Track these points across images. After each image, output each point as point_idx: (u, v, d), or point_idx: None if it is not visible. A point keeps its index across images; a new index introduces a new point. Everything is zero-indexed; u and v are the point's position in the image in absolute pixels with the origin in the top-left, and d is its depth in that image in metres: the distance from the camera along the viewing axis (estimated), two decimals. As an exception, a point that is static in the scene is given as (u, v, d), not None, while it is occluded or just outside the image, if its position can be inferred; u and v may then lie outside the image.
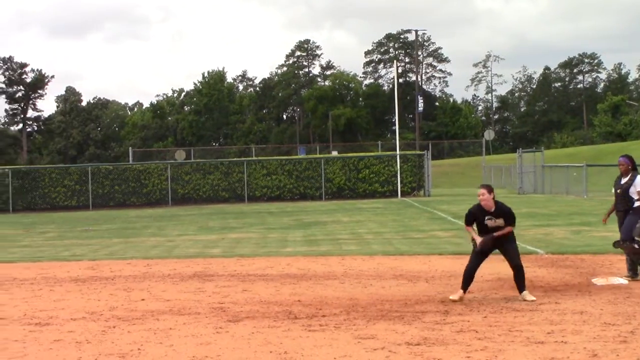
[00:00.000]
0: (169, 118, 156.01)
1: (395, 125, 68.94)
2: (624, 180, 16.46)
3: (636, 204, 16.17)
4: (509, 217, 14.39)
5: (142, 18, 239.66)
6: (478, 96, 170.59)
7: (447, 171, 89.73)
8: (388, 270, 18.68)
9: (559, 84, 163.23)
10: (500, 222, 14.30)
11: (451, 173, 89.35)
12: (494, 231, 14.29)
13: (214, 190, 59.00)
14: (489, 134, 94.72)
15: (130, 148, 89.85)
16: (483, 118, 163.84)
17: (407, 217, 37.42)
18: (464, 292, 14.26)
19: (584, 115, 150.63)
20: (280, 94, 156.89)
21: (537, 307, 13.36)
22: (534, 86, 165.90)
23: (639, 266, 16.27)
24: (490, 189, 14.39)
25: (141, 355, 10.60)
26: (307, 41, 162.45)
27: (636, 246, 16.03)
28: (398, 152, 59.97)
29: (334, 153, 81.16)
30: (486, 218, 14.32)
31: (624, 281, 15.78)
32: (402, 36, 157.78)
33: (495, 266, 18.71)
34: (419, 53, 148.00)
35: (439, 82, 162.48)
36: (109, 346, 11.18)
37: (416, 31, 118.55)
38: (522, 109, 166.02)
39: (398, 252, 22.97)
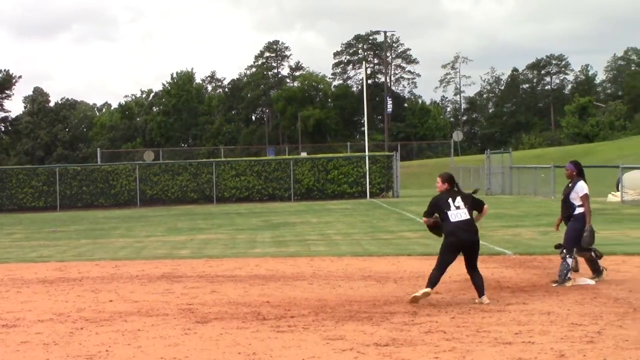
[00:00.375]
0: (138, 119, 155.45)
1: (364, 126, 69.06)
2: (569, 187, 16.41)
3: (577, 210, 16.08)
4: (469, 196, 14.48)
5: (110, 19, 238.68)
6: (446, 97, 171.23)
7: (415, 172, 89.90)
8: (357, 271, 18.71)
9: (527, 85, 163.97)
10: (461, 202, 14.33)
11: (420, 174, 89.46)
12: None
13: (182, 191, 58.87)
14: (458, 135, 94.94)
15: (98, 149, 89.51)
16: (451, 119, 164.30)
17: (376, 218, 37.49)
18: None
19: (552, 117, 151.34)
20: (249, 95, 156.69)
21: (505, 307, 13.42)
22: (502, 87, 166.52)
23: (601, 267, 16.33)
24: (444, 179, 14.46)
25: (109, 357, 10.56)
26: (276, 42, 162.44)
27: (593, 254, 16.09)
28: (367, 153, 60.04)
29: (303, 154, 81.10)
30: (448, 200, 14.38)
31: (591, 282, 15.87)
32: (370, 37, 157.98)
33: (463, 267, 18.78)
34: (388, 54, 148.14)
35: (408, 84, 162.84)
36: (76, 348, 11.13)
37: (385, 32, 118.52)
38: (491, 110, 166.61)
39: (367, 253, 23.01)
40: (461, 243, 14.15)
